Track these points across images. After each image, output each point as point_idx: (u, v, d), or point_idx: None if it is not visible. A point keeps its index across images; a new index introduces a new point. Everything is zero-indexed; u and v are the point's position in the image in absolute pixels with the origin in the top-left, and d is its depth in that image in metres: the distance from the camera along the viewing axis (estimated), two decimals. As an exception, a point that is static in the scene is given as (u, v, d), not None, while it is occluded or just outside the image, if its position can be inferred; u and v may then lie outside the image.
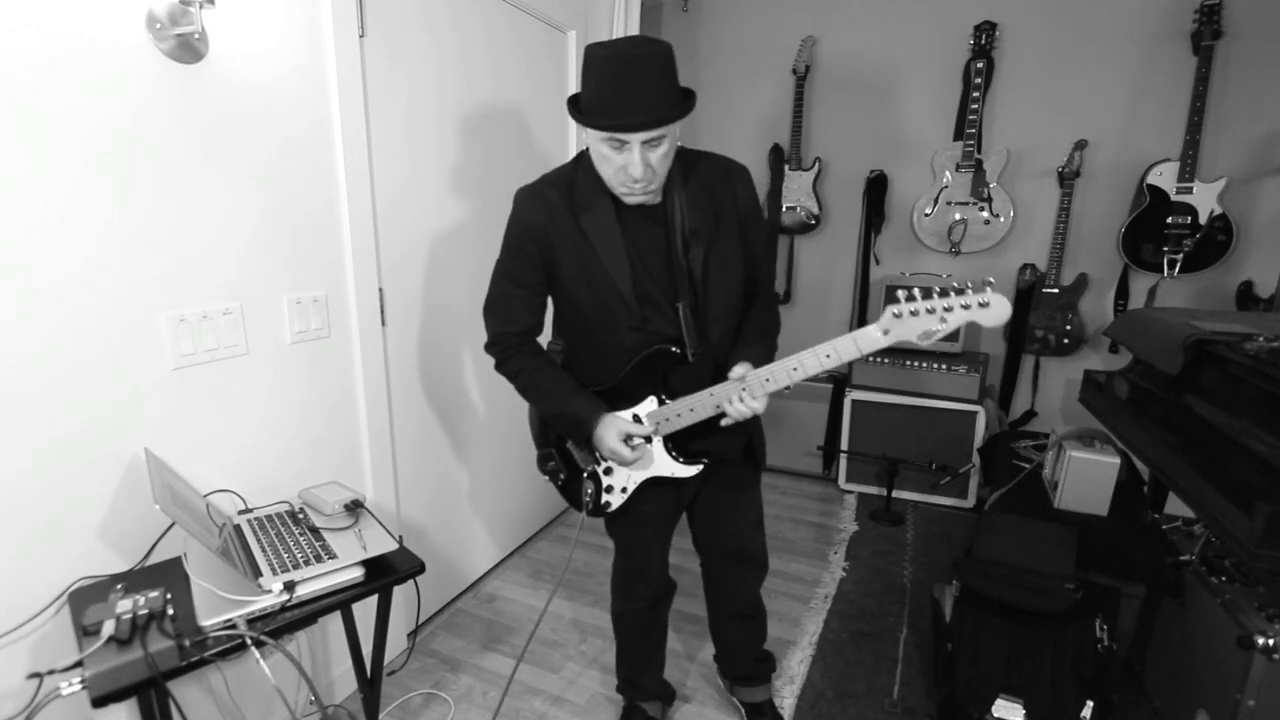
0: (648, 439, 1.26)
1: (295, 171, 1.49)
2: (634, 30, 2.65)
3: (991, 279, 1.04)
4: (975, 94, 2.78)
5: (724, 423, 1.20)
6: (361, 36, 1.60)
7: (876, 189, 3.12)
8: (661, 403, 1.25)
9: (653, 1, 3.35)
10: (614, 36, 2.62)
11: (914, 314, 1.07)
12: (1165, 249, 2.56)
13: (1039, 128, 2.81)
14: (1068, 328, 2.82)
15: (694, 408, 1.21)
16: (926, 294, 1.07)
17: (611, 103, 1.03)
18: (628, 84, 1.01)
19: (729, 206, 1.23)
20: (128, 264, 1.20)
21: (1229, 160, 2.54)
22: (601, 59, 1.03)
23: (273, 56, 1.40)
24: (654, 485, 1.33)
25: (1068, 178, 2.72)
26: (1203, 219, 2.50)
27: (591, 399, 1.26)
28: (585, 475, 1.35)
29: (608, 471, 1.33)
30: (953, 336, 2.80)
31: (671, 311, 1.21)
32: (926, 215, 2.98)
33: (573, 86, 2.51)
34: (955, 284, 1.05)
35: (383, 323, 1.78)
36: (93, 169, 1.14)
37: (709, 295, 1.22)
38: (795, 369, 1.14)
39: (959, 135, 2.88)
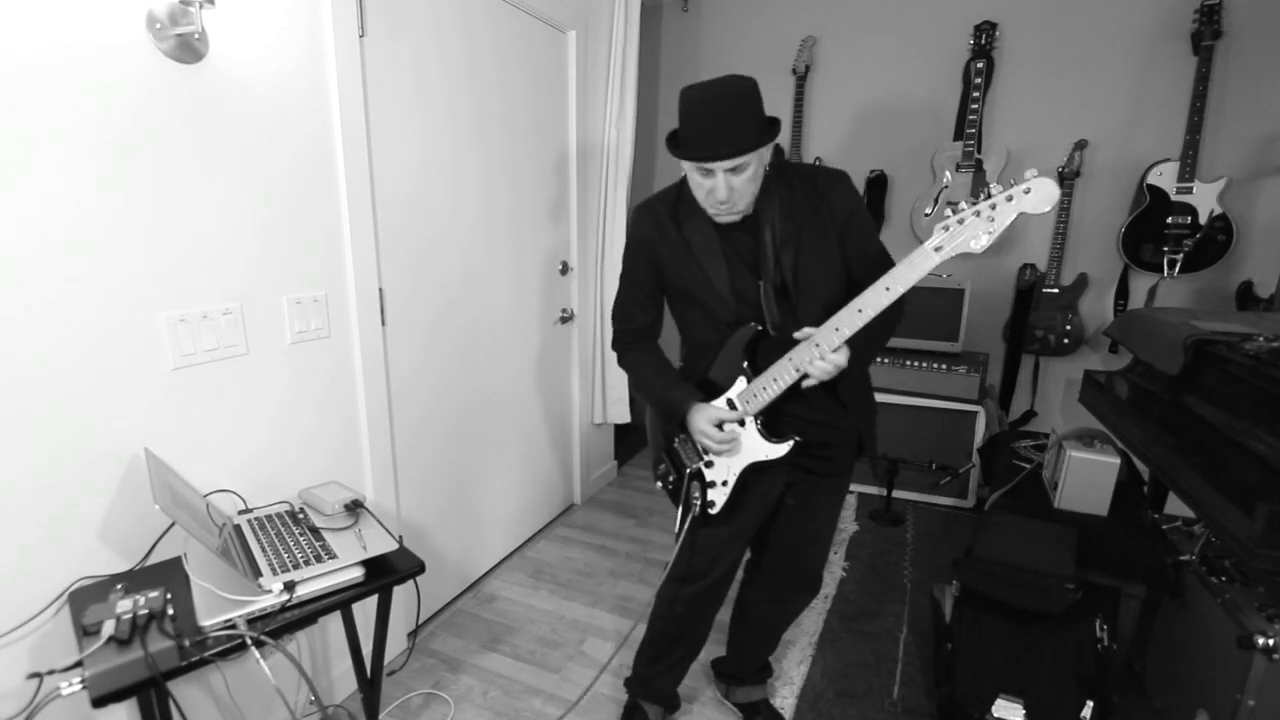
0: (740, 423, 1.31)
1: (295, 171, 1.49)
2: (634, 31, 2.65)
3: (1033, 170, 1.01)
4: (975, 94, 2.78)
5: (806, 384, 1.22)
6: (362, 36, 1.60)
7: (876, 189, 3.12)
8: (749, 381, 1.29)
9: (653, 2, 3.35)
10: (615, 38, 2.62)
11: (961, 223, 1.07)
12: (1165, 249, 2.56)
13: (1039, 128, 2.81)
14: (1068, 328, 2.82)
15: (776, 377, 1.25)
16: (971, 202, 1.07)
17: (697, 137, 1.15)
18: (710, 120, 1.13)
19: (822, 212, 1.28)
20: (128, 264, 1.20)
21: (1229, 160, 2.54)
22: (689, 98, 1.15)
23: (273, 57, 1.41)
24: (753, 472, 1.35)
25: (1068, 178, 2.72)
26: (1203, 219, 2.50)
27: (689, 388, 1.35)
28: (689, 473, 1.39)
29: (709, 465, 1.37)
30: (951, 319, 2.80)
31: (757, 297, 1.28)
32: (926, 215, 2.98)
33: (573, 86, 2.53)
34: (992, 187, 1.06)
35: (383, 323, 1.78)
36: (93, 169, 1.14)
37: (799, 288, 1.27)
38: (860, 310, 1.14)
39: (959, 135, 2.88)
